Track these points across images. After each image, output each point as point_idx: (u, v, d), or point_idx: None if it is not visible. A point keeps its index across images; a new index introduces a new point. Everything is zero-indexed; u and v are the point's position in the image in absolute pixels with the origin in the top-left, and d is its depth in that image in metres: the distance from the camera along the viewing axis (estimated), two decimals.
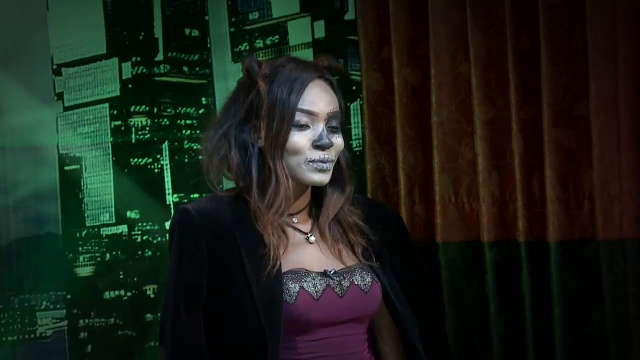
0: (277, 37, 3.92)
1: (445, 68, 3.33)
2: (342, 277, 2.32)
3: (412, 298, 2.46)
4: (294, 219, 2.37)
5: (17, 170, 3.86)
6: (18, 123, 3.86)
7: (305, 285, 2.28)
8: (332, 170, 2.34)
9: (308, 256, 2.35)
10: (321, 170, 2.32)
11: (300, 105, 2.29)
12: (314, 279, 2.30)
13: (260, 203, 2.30)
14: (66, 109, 3.94)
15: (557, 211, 3.12)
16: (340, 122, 2.38)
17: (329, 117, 2.33)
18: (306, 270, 2.31)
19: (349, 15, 3.83)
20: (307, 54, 3.86)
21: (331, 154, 2.33)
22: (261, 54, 3.94)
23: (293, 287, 2.27)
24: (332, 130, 2.35)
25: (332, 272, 2.32)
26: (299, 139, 2.30)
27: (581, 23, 3.08)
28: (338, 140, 2.35)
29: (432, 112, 3.33)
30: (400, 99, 3.41)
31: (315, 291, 2.29)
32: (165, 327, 2.29)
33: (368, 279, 2.36)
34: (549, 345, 3.15)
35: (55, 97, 3.94)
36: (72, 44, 3.95)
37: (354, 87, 3.78)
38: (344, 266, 2.35)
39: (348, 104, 3.79)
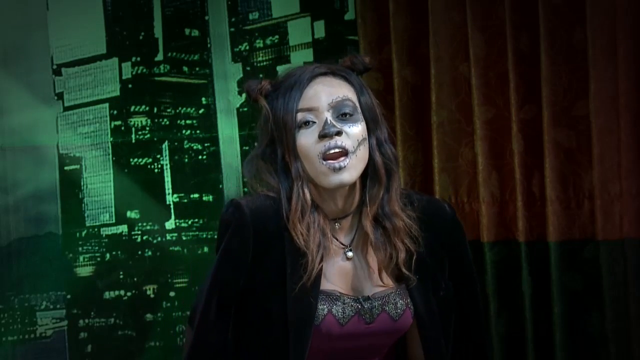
0: (277, 37, 3.92)
1: (445, 68, 3.33)
2: (374, 304, 2.26)
3: (448, 320, 2.34)
4: (336, 225, 2.29)
5: (17, 170, 3.85)
6: (18, 123, 3.85)
7: (334, 309, 2.23)
8: (354, 166, 2.22)
9: (344, 275, 2.28)
10: (336, 170, 2.20)
11: (300, 106, 2.24)
12: (344, 302, 2.24)
13: (288, 216, 2.23)
14: (66, 109, 3.93)
15: (557, 211, 3.12)
16: (358, 111, 2.25)
17: (333, 107, 2.23)
18: (340, 293, 2.25)
19: (349, 15, 3.82)
20: (307, 54, 3.86)
21: (344, 142, 2.21)
22: (261, 54, 3.93)
23: (322, 308, 2.22)
24: (342, 118, 2.23)
25: (365, 299, 2.26)
26: (305, 137, 2.23)
27: (581, 23, 3.08)
28: (352, 129, 2.22)
29: (432, 112, 3.34)
30: (400, 99, 3.41)
31: (343, 316, 2.24)
32: (196, 314, 2.28)
33: (401, 306, 2.27)
34: (549, 345, 3.16)
35: (55, 97, 3.93)
36: (72, 44, 3.94)
37: None
38: (379, 289, 2.27)
39: None
